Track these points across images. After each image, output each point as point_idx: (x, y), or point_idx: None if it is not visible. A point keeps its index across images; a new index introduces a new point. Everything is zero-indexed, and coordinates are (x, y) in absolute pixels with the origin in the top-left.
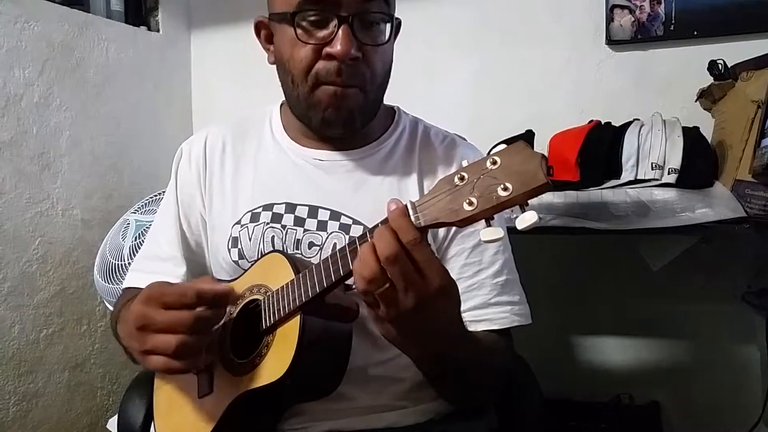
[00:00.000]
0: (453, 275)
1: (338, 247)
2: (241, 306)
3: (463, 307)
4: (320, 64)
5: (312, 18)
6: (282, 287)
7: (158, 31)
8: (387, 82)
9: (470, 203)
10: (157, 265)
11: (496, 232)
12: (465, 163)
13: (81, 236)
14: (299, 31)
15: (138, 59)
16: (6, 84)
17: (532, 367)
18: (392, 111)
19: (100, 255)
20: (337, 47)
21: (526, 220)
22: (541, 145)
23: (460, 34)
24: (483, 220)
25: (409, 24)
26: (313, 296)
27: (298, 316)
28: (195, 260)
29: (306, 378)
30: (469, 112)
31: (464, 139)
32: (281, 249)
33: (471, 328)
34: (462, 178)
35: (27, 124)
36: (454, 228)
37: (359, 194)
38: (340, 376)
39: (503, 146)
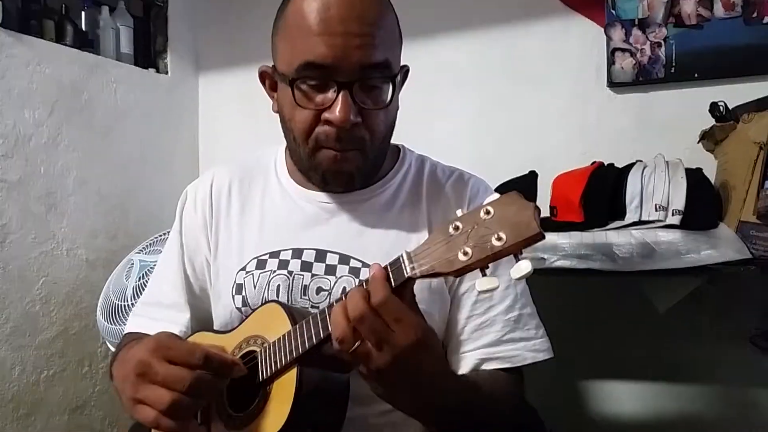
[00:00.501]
0: (465, 313)
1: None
2: (238, 357)
3: (475, 345)
4: (320, 129)
5: (312, 83)
6: (278, 339)
7: (167, 73)
8: (390, 135)
9: (465, 253)
10: (160, 311)
11: (491, 282)
12: (459, 213)
13: (85, 276)
14: (299, 95)
15: (146, 101)
16: (16, 124)
17: (538, 411)
18: (397, 149)
19: (103, 295)
20: (335, 114)
21: (521, 269)
22: (544, 186)
23: (462, 76)
24: (479, 270)
25: (411, 65)
26: (309, 348)
27: (295, 368)
28: (199, 306)
29: (304, 430)
30: (470, 154)
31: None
32: (287, 297)
33: (484, 366)
34: (456, 228)
35: (35, 164)
36: None
37: (366, 236)
38: (339, 426)
39: (496, 195)
